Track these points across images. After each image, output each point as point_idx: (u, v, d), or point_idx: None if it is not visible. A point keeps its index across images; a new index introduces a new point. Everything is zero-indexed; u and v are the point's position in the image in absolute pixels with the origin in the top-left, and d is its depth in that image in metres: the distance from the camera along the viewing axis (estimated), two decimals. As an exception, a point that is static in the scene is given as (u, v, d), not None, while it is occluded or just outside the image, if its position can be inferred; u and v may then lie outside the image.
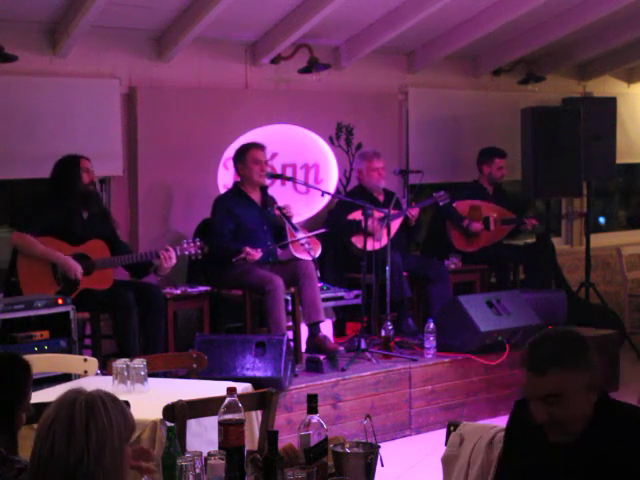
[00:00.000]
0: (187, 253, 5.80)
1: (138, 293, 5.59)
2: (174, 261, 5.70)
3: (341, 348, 6.23)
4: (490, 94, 8.15)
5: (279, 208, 6.26)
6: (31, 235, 5.45)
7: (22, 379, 2.72)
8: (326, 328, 6.83)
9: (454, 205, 7.27)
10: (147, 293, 5.65)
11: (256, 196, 6.34)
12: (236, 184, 6.41)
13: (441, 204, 6.94)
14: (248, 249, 6.00)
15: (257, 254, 6.02)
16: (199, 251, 5.81)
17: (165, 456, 2.74)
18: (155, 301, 5.64)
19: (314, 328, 6.08)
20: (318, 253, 6.32)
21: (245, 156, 6.24)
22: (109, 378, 3.87)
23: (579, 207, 8.51)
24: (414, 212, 6.80)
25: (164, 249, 5.68)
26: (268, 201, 6.35)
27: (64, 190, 5.59)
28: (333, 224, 6.68)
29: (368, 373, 5.81)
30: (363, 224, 6.23)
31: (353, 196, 6.79)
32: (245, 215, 6.23)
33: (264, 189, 6.41)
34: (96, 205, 5.72)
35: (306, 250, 6.15)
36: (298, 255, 6.18)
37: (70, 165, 5.61)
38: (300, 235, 6.23)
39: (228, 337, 5.56)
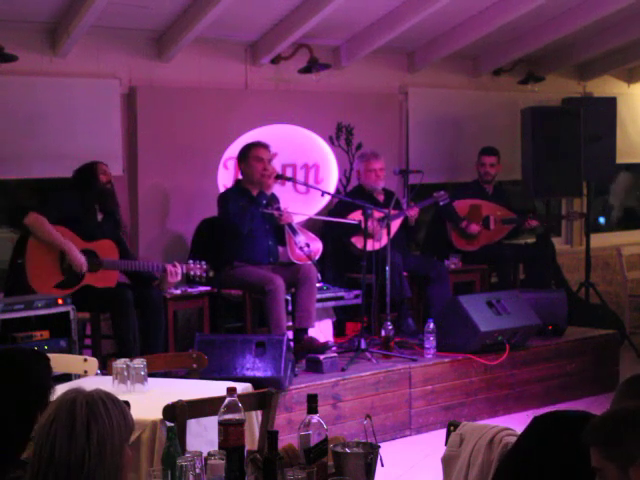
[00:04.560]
0: (192, 273, 5.80)
1: (138, 294, 5.59)
2: (179, 277, 5.73)
3: (330, 343, 6.24)
4: (490, 94, 8.15)
5: (278, 208, 6.26)
6: (47, 220, 5.48)
7: (41, 376, 2.57)
8: (326, 328, 6.84)
9: (454, 205, 7.27)
10: (146, 294, 5.65)
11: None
12: (238, 182, 6.41)
13: (441, 204, 6.94)
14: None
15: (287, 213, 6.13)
16: (204, 274, 5.81)
17: (165, 456, 2.74)
18: (154, 302, 5.64)
19: (300, 333, 6.08)
20: (318, 254, 6.32)
21: (247, 154, 6.25)
22: (109, 378, 3.86)
23: (579, 207, 8.52)
24: (413, 212, 6.80)
25: (172, 264, 5.71)
26: (270, 201, 6.34)
27: (84, 187, 5.66)
28: (333, 225, 6.68)
29: (368, 373, 5.81)
30: (363, 224, 6.22)
31: (353, 196, 6.78)
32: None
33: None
34: (112, 202, 5.79)
35: (305, 253, 6.15)
36: (293, 258, 6.18)
37: (89, 168, 5.71)
38: (300, 238, 6.23)
39: (228, 337, 5.56)
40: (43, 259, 5.48)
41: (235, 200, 6.17)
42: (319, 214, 7.09)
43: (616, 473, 2.18)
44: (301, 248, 6.19)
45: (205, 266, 5.83)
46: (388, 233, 6.28)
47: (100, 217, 5.76)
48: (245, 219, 6.10)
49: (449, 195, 6.98)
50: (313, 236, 6.40)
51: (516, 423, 2.93)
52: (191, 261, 5.85)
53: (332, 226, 6.69)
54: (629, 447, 2.17)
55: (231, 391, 2.75)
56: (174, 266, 5.70)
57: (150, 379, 3.87)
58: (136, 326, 5.53)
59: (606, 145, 7.95)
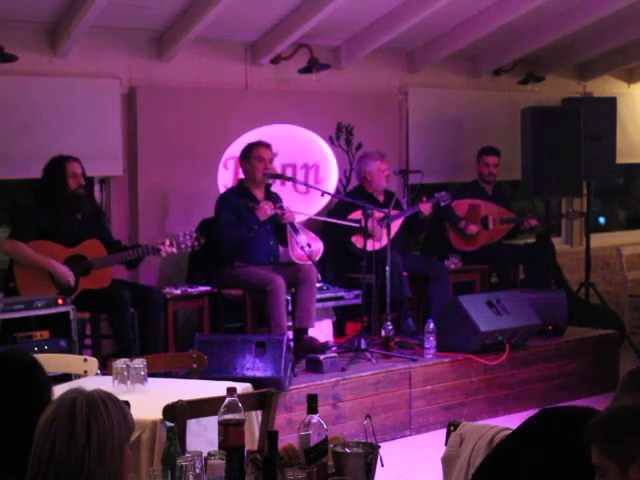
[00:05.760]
0: (183, 246, 5.79)
1: (137, 295, 5.58)
2: (175, 250, 5.73)
3: (330, 343, 6.24)
4: (490, 94, 8.15)
5: (281, 207, 6.27)
6: (23, 242, 5.44)
7: (42, 375, 2.52)
8: (326, 328, 6.84)
9: (453, 204, 7.27)
10: (146, 295, 5.64)
11: (260, 195, 6.33)
12: (240, 182, 6.42)
13: (442, 204, 6.93)
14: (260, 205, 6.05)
15: (267, 205, 6.06)
16: (195, 242, 5.81)
17: (165, 456, 2.74)
18: (154, 303, 5.63)
19: (300, 333, 6.08)
20: (319, 255, 6.31)
21: (249, 153, 6.26)
22: (109, 378, 3.86)
23: (579, 207, 8.52)
24: (427, 207, 6.77)
25: (160, 242, 5.68)
26: (272, 199, 6.35)
27: (52, 194, 5.57)
28: (333, 225, 6.68)
29: (368, 373, 5.81)
30: (363, 224, 6.22)
31: (354, 196, 6.78)
32: (248, 213, 6.21)
33: (268, 187, 6.41)
34: (86, 208, 5.69)
35: (306, 253, 6.15)
36: (294, 257, 6.18)
37: (56, 169, 5.58)
38: (301, 238, 6.23)
39: (228, 337, 5.56)
40: (33, 278, 5.45)
41: (230, 208, 6.15)
42: (319, 214, 7.09)
43: (616, 471, 2.18)
44: (302, 248, 6.19)
45: (195, 234, 5.82)
46: (388, 233, 6.28)
47: (79, 216, 5.66)
48: (232, 239, 6.10)
49: (450, 196, 6.98)
50: (314, 237, 6.40)
51: (516, 423, 2.92)
52: (180, 233, 5.82)
53: (332, 225, 6.68)
54: (629, 446, 2.17)
55: (231, 391, 2.75)
56: (163, 243, 5.67)
57: (150, 379, 3.87)
58: (135, 325, 5.52)
59: (606, 145, 7.95)
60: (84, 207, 5.67)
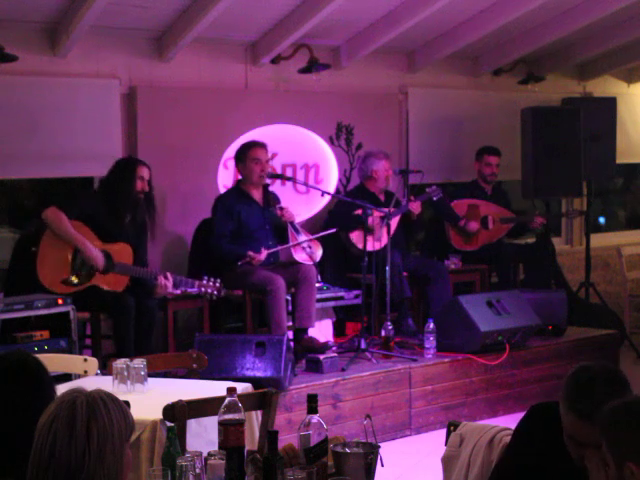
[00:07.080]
0: (203, 290, 5.70)
1: (135, 297, 5.57)
2: (170, 290, 5.64)
3: (330, 343, 6.24)
4: (490, 94, 8.15)
5: (281, 208, 6.26)
6: (66, 216, 5.44)
7: (40, 378, 2.51)
8: (326, 328, 6.84)
9: (452, 205, 7.27)
10: (141, 298, 5.61)
11: (258, 195, 6.33)
12: (238, 183, 6.41)
13: (435, 199, 6.93)
14: (251, 253, 5.99)
15: (261, 255, 6.02)
16: (215, 292, 5.70)
17: (165, 456, 2.74)
18: (148, 308, 5.59)
19: (300, 333, 6.08)
20: (319, 256, 6.31)
21: (245, 155, 6.24)
22: (109, 378, 3.86)
23: (579, 207, 8.52)
24: (415, 206, 6.78)
25: (163, 275, 5.61)
26: (271, 200, 6.34)
27: (116, 194, 5.61)
28: (333, 224, 6.67)
29: (368, 373, 5.81)
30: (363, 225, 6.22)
31: (354, 196, 6.78)
32: (246, 215, 6.22)
33: (266, 188, 6.40)
34: (141, 214, 5.72)
35: (307, 254, 6.15)
36: (299, 259, 6.18)
37: (126, 169, 5.66)
38: (302, 238, 6.23)
39: (228, 337, 5.55)
40: (56, 252, 5.43)
41: (226, 211, 6.14)
42: (319, 214, 7.11)
43: (613, 464, 2.18)
44: (304, 248, 6.19)
45: (219, 284, 5.70)
46: (388, 233, 6.28)
47: (128, 219, 5.68)
48: (222, 253, 6.08)
49: (441, 189, 6.98)
50: (314, 240, 6.39)
51: (516, 423, 2.93)
52: (205, 278, 5.70)
53: (334, 222, 6.68)
54: (625, 443, 2.17)
55: (231, 391, 2.75)
56: (165, 278, 5.59)
57: (150, 379, 3.87)
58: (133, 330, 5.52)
59: (606, 145, 7.95)
60: (139, 213, 5.70)
